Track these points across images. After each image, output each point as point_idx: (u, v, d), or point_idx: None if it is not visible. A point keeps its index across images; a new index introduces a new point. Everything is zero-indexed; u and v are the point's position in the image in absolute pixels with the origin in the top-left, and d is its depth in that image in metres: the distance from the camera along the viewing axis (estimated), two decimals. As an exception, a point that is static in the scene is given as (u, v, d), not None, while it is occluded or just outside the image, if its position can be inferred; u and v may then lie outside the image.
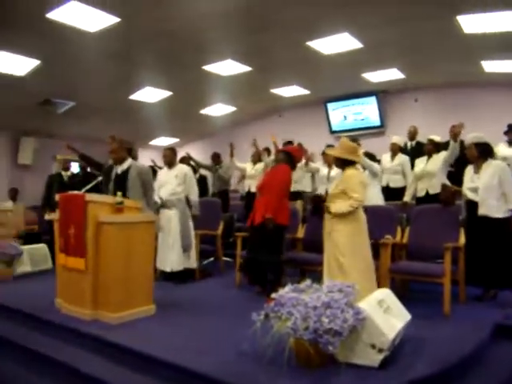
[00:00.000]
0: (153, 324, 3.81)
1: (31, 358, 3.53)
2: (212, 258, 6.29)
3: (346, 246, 3.80)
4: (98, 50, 6.23)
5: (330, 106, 9.94)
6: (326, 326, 2.50)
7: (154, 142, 11.53)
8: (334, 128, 10.08)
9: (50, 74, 6.86)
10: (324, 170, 6.35)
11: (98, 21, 5.50)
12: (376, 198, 5.55)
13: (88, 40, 5.84)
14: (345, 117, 9.91)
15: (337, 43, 6.54)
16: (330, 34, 6.21)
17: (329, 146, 6.55)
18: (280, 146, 6.41)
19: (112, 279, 3.83)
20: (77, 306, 4.00)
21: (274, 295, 2.84)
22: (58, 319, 3.94)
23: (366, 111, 9.58)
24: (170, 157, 5.58)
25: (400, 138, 6.70)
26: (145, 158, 9.98)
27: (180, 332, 3.62)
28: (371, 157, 5.69)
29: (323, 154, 6.54)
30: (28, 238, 7.52)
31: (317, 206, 4.25)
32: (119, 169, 4.56)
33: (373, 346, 2.65)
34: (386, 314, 2.89)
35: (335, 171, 5.82)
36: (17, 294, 5.02)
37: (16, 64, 6.47)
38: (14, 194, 8.70)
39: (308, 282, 3.03)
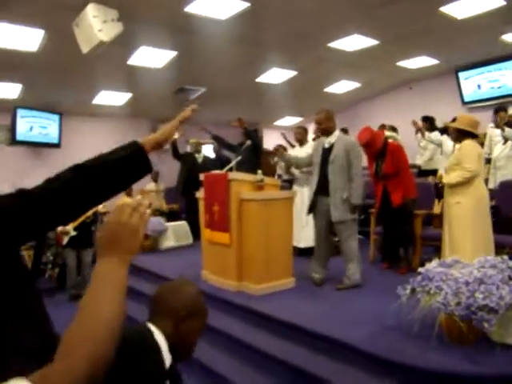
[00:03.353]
0: (294, 296, 4.00)
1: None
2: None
3: (463, 219, 3.67)
4: (228, 36, 6.51)
5: (462, 75, 9.22)
6: (481, 303, 2.43)
7: (278, 123, 11.78)
8: (467, 99, 9.35)
9: (184, 63, 7.34)
10: (449, 144, 6.03)
11: (228, 8, 5.75)
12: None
13: (219, 27, 6.13)
14: (479, 86, 9.13)
15: (473, 5, 6.05)
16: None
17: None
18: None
19: (254, 253, 4.08)
20: (222, 277, 4.34)
21: (420, 269, 2.82)
22: (207, 289, 4.31)
23: (504, 78, 8.73)
24: (301, 134, 5.71)
25: None
26: (270, 139, 10.31)
27: (321, 304, 3.75)
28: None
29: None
30: (170, 215, 8.28)
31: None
32: (326, 142, 4.40)
33: (532, 327, 2.53)
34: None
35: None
36: (166, 265, 5.59)
37: (155, 57, 7.02)
38: (155, 176, 9.53)
39: (455, 257, 2.95)
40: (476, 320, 2.43)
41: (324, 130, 4.36)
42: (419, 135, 6.59)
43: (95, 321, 0.79)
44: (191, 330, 1.51)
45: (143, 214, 0.97)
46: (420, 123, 6.39)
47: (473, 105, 8.88)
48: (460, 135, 3.87)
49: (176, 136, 1.31)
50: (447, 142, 6.19)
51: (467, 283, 2.53)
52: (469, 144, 3.77)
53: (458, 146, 4.02)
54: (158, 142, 1.33)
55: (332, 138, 4.31)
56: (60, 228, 5.90)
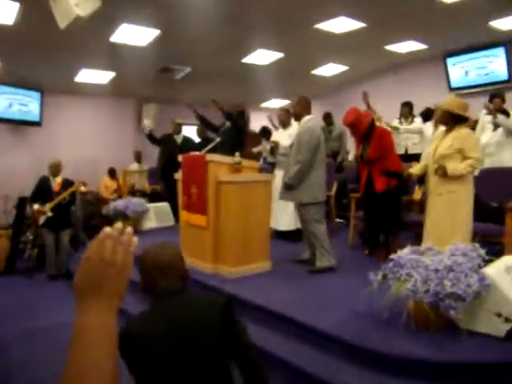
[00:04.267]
0: (269, 279, 3.99)
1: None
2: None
3: (456, 208, 3.56)
4: (212, 15, 6.36)
5: (450, 60, 9.17)
6: (448, 290, 2.43)
7: (265, 105, 11.66)
8: (454, 85, 9.31)
9: (169, 42, 7.18)
10: (429, 130, 6.00)
11: (212, -14, 5.62)
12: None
13: (204, 6, 5.99)
14: (466, 72, 9.10)
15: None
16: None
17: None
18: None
19: (231, 235, 4.06)
20: (199, 259, 4.31)
21: (392, 256, 2.81)
22: (183, 271, 4.29)
23: (491, 65, 8.70)
24: (284, 117, 5.62)
25: None
26: (257, 121, 10.21)
27: (295, 288, 3.75)
28: (507, 114, 5.22)
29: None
30: (152, 196, 8.20)
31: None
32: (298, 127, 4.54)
33: (498, 315, 2.53)
34: (515, 282, 2.72)
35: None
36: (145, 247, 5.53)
37: (139, 35, 6.85)
38: (138, 157, 9.44)
39: (428, 244, 2.94)
40: (443, 307, 2.44)
41: (295, 115, 4.48)
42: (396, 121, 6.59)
43: None
44: None
45: (128, 245, 0.80)
46: (490, 105, 5.78)
47: (460, 91, 8.83)
48: (450, 118, 3.64)
49: None
50: (428, 129, 6.17)
51: (437, 271, 2.53)
52: (469, 132, 3.62)
53: (442, 128, 3.86)
54: None
55: (301, 124, 4.40)
56: (36, 207, 5.82)
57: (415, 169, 4.00)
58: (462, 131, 3.60)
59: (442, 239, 3.44)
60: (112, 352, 0.73)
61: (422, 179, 5.33)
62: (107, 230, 0.79)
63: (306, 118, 4.38)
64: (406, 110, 6.75)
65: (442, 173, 3.53)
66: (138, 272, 1.72)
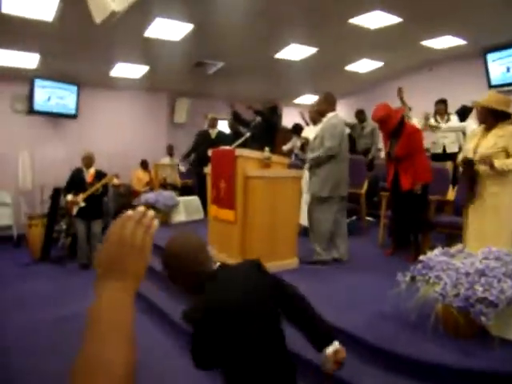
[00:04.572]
0: (295, 277, 3.95)
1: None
2: (355, 217, 6.24)
3: (500, 211, 3.36)
4: (246, 10, 6.33)
5: (490, 56, 8.84)
6: (480, 295, 2.34)
7: (298, 101, 11.57)
8: (494, 82, 8.98)
9: (202, 36, 7.21)
10: (472, 127, 5.73)
11: (246, -20, 5.60)
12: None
13: (237, 0, 5.99)
14: (508, 68, 8.76)
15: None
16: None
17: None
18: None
19: (258, 231, 4.04)
20: (226, 253, 4.31)
21: (421, 257, 2.74)
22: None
23: (535, 61, 8.37)
24: (314, 113, 5.58)
25: None
26: (289, 117, 10.15)
27: (322, 287, 3.70)
28: None
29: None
30: (183, 190, 8.29)
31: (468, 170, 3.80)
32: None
33: (534, 323, 2.43)
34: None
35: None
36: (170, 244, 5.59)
37: (172, 30, 6.90)
38: (170, 150, 9.56)
39: (459, 246, 2.85)
40: (474, 313, 2.35)
41: (320, 112, 4.58)
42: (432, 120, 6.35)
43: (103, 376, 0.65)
44: None
45: (149, 227, 0.81)
46: None
47: (500, 89, 8.52)
48: (490, 115, 3.43)
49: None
50: (471, 126, 5.89)
51: (467, 274, 2.44)
52: None
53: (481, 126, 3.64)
54: None
55: (325, 120, 4.49)
56: (70, 197, 5.96)
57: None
58: (508, 128, 3.37)
59: (485, 243, 3.31)
60: (130, 341, 0.70)
61: (455, 180, 5.21)
62: (130, 212, 0.81)
63: (330, 114, 4.44)
64: (442, 108, 6.53)
65: (490, 164, 3.26)
66: (172, 266, 1.83)
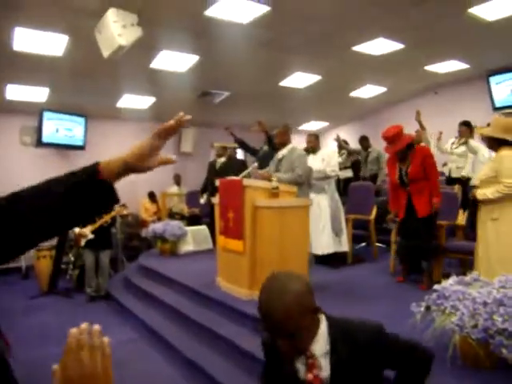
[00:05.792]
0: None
1: (197, 331, 3.89)
2: (364, 244, 6.18)
3: (501, 237, 3.36)
4: (250, 40, 6.45)
5: (493, 79, 8.90)
6: (500, 326, 2.27)
7: (303, 127, 11.65)
8: (498, 104, 9.01)
9: (208, 67, 7.32)
10: (485, 152, 5.63)
11: (249, 12, 5.69)
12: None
13: (241, 31, 6.08)
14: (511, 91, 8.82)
15: (505, 6, 5.81)
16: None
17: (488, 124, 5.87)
18: None
19: (268, 261, 3.99)
20: (235, 285, 4.27)
21: (436, 286, 2.68)
22: (219, 297, 4.27)
23: (539, 83, 8.40)
24: (313, 142, 5.59)
25: None
26: (296, 143, 10.19)
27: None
28: None
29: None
30: (191, 219, 8.28)
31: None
32: (280, 153, 4.78)
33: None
34: None
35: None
36: (183, 271, 5.56)
37: (178, 61, 7.02)
38: (177, 180, 9.60)
39: (474, 274, 2.79)
40: (494, 345, 2.28)
41: (280, 143, 4.82)
42: (451, 141, 6.28)
43: None
44: None
45: (103, 347, 0.75)
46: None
47: (505, 110, 8.53)
48: (495, 142, 3.52)
49: (173, 158, 1.00)
50: (482, 151, 5.78)
51: (485, 304, 2.38)
52: (506, 155, 3.42)
53: (493, 154, 3.72)
54: (126, 163, 1.01)
55: (284, 150, 4.72)
56: (78, 230, 5.96)
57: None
58: (502, 154, 3.44)
59: (492, 269, 3.28)
60: None
61: (465, 204, 5.15)
62: (74, 331, 0.74)
63: (290, 145, 4.79)
64: (462, 130, 6.23)
65: (472, 196, 3.49)
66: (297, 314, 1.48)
